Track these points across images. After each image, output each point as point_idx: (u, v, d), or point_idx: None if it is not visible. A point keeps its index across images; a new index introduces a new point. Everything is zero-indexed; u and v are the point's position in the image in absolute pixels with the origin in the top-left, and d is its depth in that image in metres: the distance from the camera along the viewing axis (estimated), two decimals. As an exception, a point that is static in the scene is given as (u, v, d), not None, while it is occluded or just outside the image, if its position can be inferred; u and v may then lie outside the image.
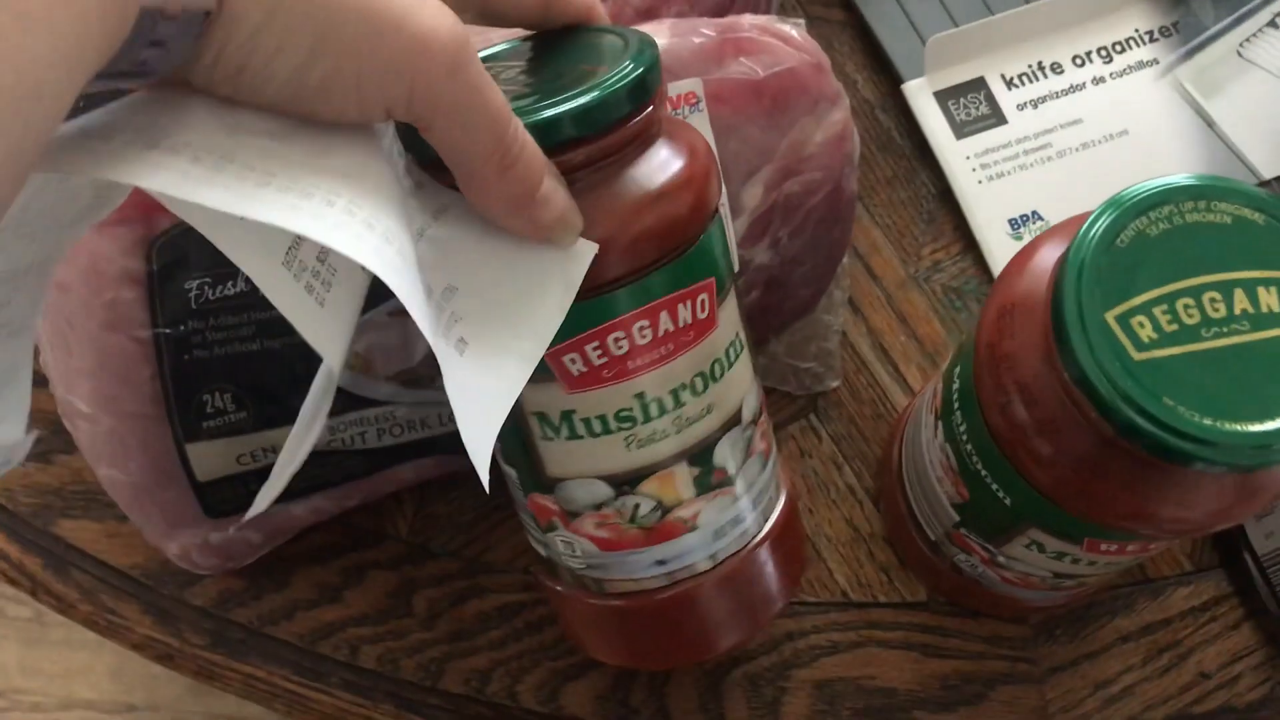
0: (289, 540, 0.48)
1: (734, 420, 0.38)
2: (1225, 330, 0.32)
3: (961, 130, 0.56)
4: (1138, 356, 0.32)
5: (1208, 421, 0.31)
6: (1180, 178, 0.34)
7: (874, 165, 0.56)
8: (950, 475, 0.41)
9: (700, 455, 0.37)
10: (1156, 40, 0.58)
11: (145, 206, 0.43)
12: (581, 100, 0.31)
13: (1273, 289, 0.33)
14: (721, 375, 0.37)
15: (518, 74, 0.35)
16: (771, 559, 0.41)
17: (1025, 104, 0.56)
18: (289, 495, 0.46)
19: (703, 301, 0.35)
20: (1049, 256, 0.36)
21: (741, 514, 0.39)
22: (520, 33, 0.38)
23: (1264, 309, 0.32)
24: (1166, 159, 0.55)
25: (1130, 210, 0.33)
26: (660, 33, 0.47)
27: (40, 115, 0.20)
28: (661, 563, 0.38)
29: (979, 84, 0.56)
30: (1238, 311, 0.32)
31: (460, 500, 0.51)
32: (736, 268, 0.47)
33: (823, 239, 0.50)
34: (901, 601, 0.50)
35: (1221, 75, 0.57)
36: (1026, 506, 0.38)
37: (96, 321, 0.43)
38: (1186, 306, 0.32)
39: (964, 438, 0.39)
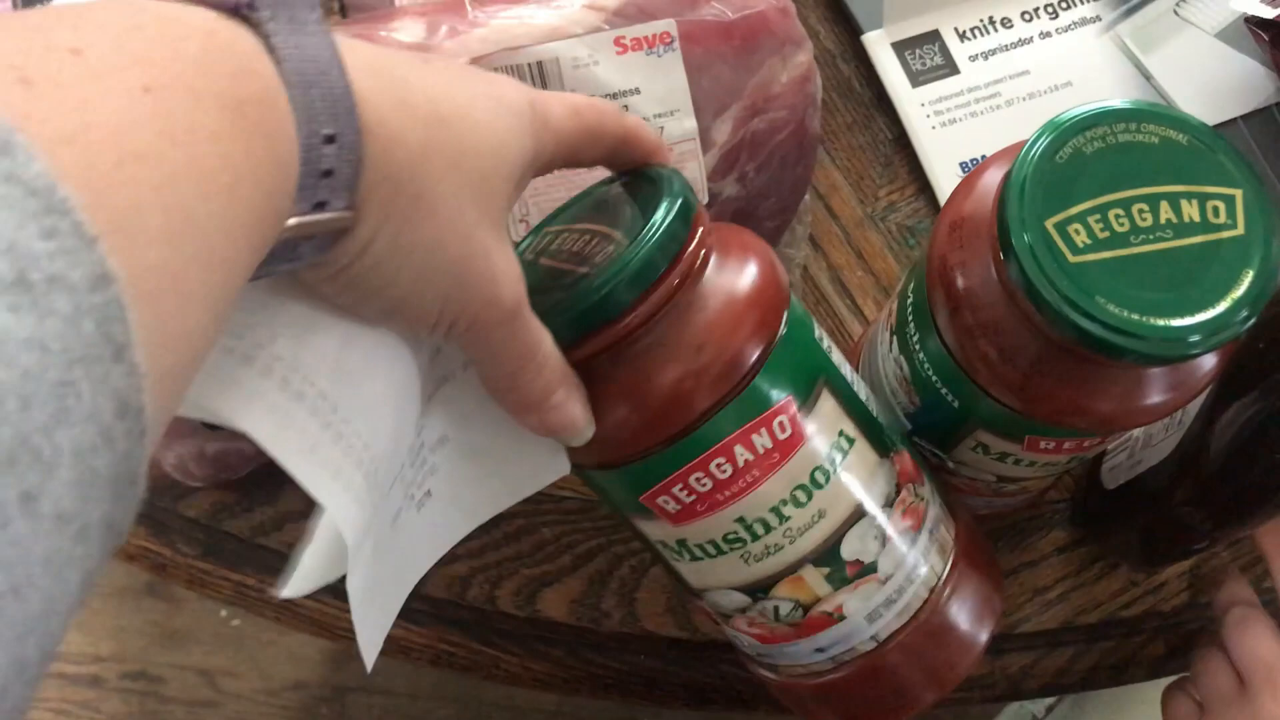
0: (280, 453, 0.51)
1: (856, 516, 0.37)
2: (1151, 237, 0.36)
3: (917, 79, 0.59)
4: (1073, 259, 0.35)
5: (1134, 317, 0.34)
6: (1114, 102, 0.37)
7: (835, 112, 0.60)
8: (903, 386, 0.45)
9: (826, 555, 0.37)
10: (1099, -1, 0.61)
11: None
12: (598, 289, 0.33)
13: (1194, 201, 0.36)
14: (827, 481, 0.37)
15: (576, 241, 0.37)
16: (948, 618, 0.39)
17: (977, 55, 0.60)
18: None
19: (780, 423, 0.36)
20: (994, 177, 0.39)
21: (895, 593, 0.38)
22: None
23: (1185, 219, 0.36)
24: (1107, 109, 0.59)
25: (1068, 130, 0.37)
26: (638, -24, 0.50)
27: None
28: (821, 650, 0.39)
29: (934, 36, 0.60)
30: (1163, 221, 0.36)
31: (442, 419, 0.53)
32: (706, 199, 0.50)
33: (786, 175, 0.53)
34: (857, 515, 0.53)
35: (1159, 32, 0.61)
36: (973, 408, 0.41)
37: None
38: (1117, 216, 0.36)
39: (916, 347, 0.43)
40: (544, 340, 0.33)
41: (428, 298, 0.29)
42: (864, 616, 0.38)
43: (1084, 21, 0.61)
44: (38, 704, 1.21)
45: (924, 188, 0.58)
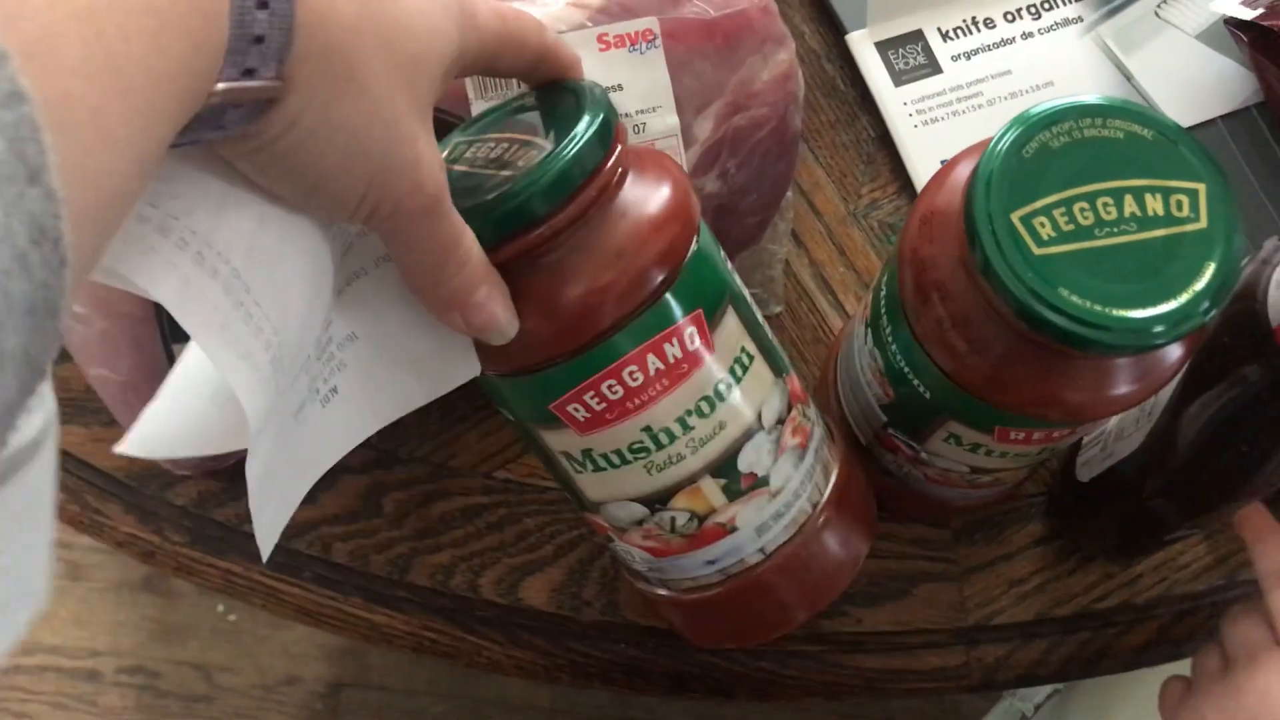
0: (267, 443, 0.51)
1: (754, 429, 0.39)
2: (1115, 230, 0.36)
3: (900, 79, 0.60)
4: (1038, 251, 0.36)
5: (1098, 308, 0.35)
6: (1081, 98, 0.38)
7: (819, 110, 0.60)
8: (878, 378, 0.45)
9: (723, 467, 0.39)
10: (1081, 0, 0.62)
11: (137, 121, 0.46)
12: (520, 194, 0.33)
13: (1158, 195, 0.37)
14: (729, 393, 0.38)
15: (493, 150, 0.37)
16: (829, 537, 0.42)
17: (959, 55, 0.60)
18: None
19: (690, 335, 0.37)
20: (964, 171, 0.40)
21: (783, 507, 0.41)
22: None
23: (1149, 212, 0.37)
24: (1087, 109, 0.60)
25: (1035, 125, 0.37)
26: (621, -25, 0.51)
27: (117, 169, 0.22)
28: (711, 562, 0.41)
29: (917, 36, 0.60)
30: (1127, 214, 0.37)
31: (426, 410, 0.54)
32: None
33: (768, 171, 0.53)
34: (836, 507, 0.54)
35: (1140, 33, 0.61)
36: (944, 398, 0.42)
37: (90, 228, 0.46)
38: (1082, 209, 0.37)
39: (889, 340, 0.43)
40: (466, 234, 0.32)
41: (351, 179, 0.29)
42: (754, 528, 0.40)
43: (1066, 22, 0.61)
44: (34, 696, 1.22)
45: (905, 185, 0.59)
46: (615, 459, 0.39)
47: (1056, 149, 0.37)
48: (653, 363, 0.37)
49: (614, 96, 0.49)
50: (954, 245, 0.39)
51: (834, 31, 0.61)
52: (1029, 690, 0.91)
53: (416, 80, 0.30)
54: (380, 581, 0.52)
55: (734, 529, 0.40)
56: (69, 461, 0.53)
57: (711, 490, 0.39)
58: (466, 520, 0.53)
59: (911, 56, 0.60)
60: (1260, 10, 0.57)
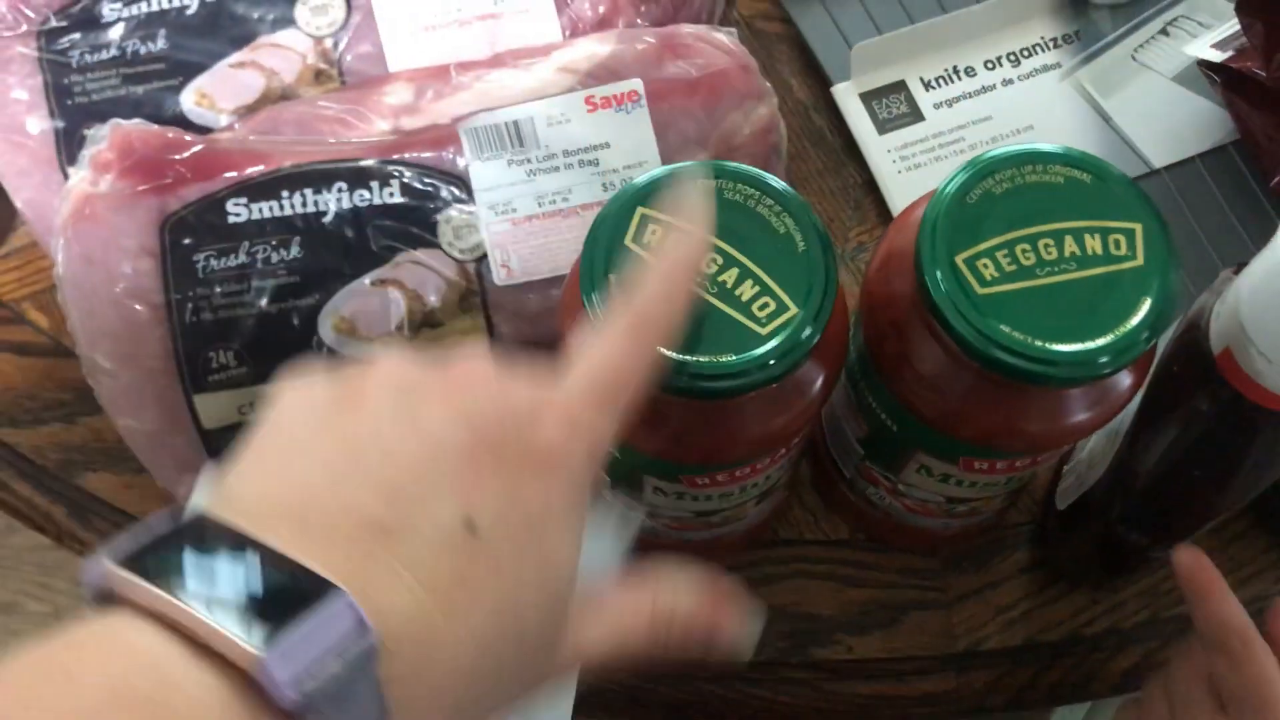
0: (284, 486, 0.55)
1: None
2: (1056, 270, 0.39)
3: (884, 127, 0.62)
4: (981, 291, 0.38)
5: (1039, 343, 0.37)
6: (1024, 146, 0.41)
7: (807, 159, 0.63)
8: (853, 413, 0.48)
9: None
10: (1060, 46, 0.64)
11: (160, 190, 0.50)
12: (727, 378, 0.37)
13: (1096, 235, 0.39)
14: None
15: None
16: None
17: (941, 103, 0.63)
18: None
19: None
20: (919, 214, 0.42)
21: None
22: None
23: (1088, 251, 0.39)
24: (1067, 151, 0.62)
25: (979, 173, 0.40)
26: (609, 40, 0.54)
27: None
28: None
29: (900, 86, 0.63)
30: (1066, 254, 0.39)
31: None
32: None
33: (754, 219, 0.56)
34: (826, 539, 0.56)
35: (1118, 77, 0.64)
36: (910, 432, 0.44)
37: (117, 289, 0.49)
38: (1024, 250, 0.39)
39: (859, 376, 0.46)
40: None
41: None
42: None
43: (1045, 68, 0.64)
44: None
45: (892, 229, 0.61)
46: (699, 496, 0.45)
47: (1000, 194, 0.40)
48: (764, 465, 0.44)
49: (601, 154, 0.52)
50: (909, 285, 0.41)
51: (821, 83, 0.64)
52: None
53: None
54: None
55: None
56: (101, 507, 0.56)
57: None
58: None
59: (895, 106, 0.63)
60: (1230, 53, 0.59)
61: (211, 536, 0.25)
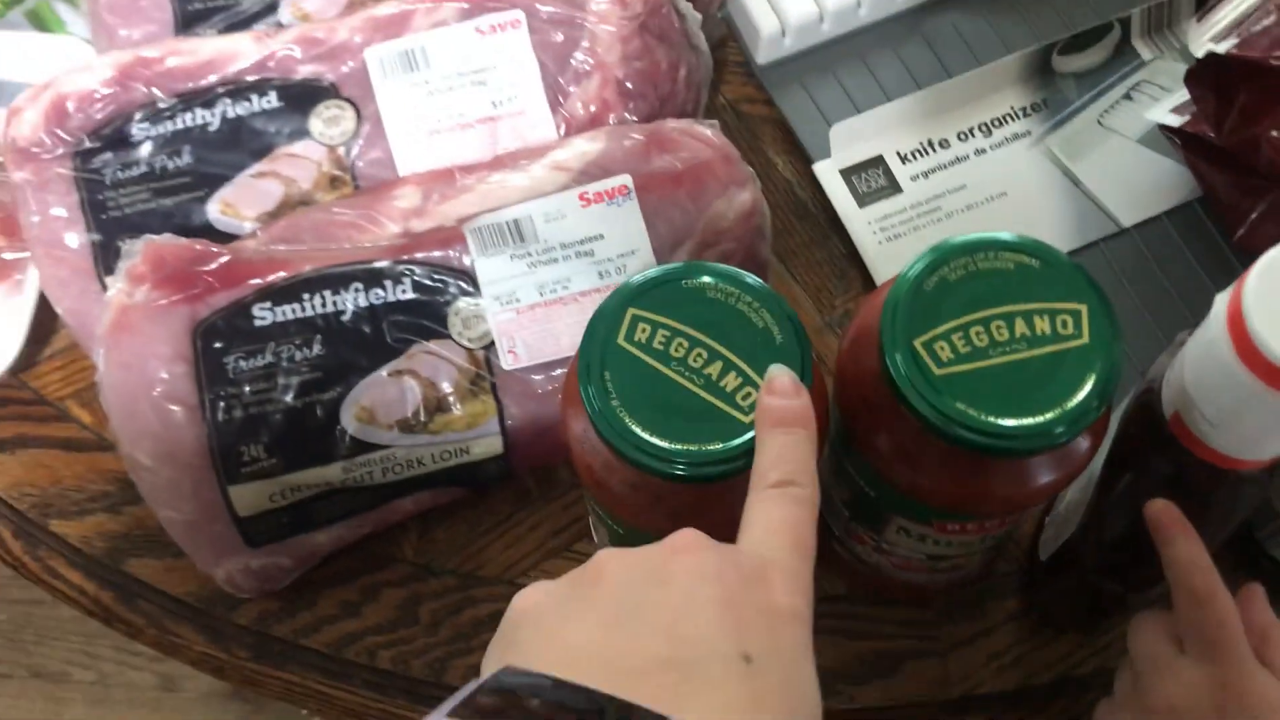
0: (315, 565, 0.59)
1: None
2: (1008, 350, 0.42)
3: (864, 200, 0.66)
4: (939, 372, 0.42)
5: (992, 419, 0.41)
6: (976, 235, 0.44)
7: (794, 233, 0.67)
8: (836, 479, 0.51)
9: None
10: (1029, 115, 0.68)
11: (190, 299, 0.54)
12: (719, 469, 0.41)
13: (1045, 316, 0.42)
14: None
15: (686, 351, 0.43)
16: None
17: (918, 175, 0.67)
18: (313, 526, 0.57)
19: None
20: (884, 298, 0.46)
21: None
22: None
23: (1038, 332, 0.42)
24: (1039, 214, 0.65)
25: (935, 262, 0.43)
26: (599, 138, 0.59)
27: None
28: None
29: (878, 160, 0.67)
30: (1018, 335, 0.42)
31: (454, 526, 0.61)
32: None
33: (743, 296, 0.60)
34: (825, 595, 0.59)
35: (1085, 142, 0.67)
36: (885, 498, 0.47)
37: (155, 393, 0.54)
38: (977, 333, 0.42)
39: (840, 447, 0.49)
40: None
41: None
42: None
43: (1015, 137, 0.67)
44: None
45: (877, 295, 0.65)
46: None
47: (955, 281, 0.43)
48: None
49: (596, 245, 0.56)
50: (876, 364, 0.45)
51: (803, 161, 0.68)
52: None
53: None
54: (420, 684, 0.58)
55: None
56: (146, 590, 0.60)
57: None
58: (494, 624, 0.59)
59: (873, 179, 0.66)
60: (1188, 117, 0.63)
61: None
